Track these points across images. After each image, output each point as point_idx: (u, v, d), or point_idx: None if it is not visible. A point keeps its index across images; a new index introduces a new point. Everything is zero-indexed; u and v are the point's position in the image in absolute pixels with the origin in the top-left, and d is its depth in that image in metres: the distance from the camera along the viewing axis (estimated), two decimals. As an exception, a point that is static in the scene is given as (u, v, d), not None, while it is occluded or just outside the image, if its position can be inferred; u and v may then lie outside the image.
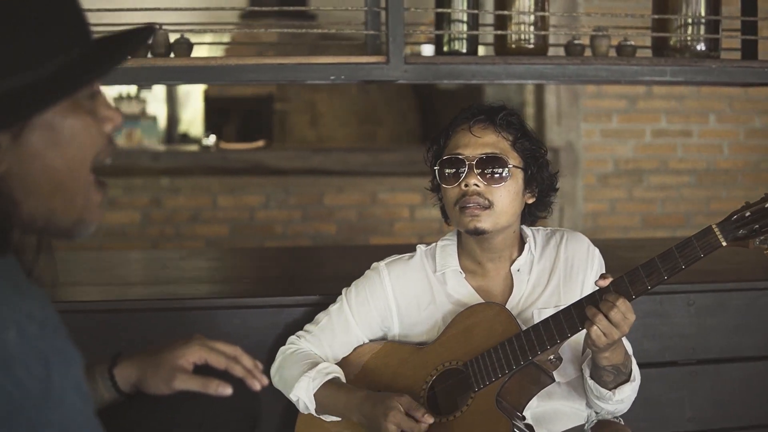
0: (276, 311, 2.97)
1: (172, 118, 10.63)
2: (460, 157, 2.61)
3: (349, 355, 2.79)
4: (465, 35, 3.30)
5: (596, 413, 2.70)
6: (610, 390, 2.55)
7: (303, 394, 2.69)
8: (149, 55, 3.22)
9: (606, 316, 2.38)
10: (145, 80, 4.14)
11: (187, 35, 3.24)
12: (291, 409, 2.80)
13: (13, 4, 1.37)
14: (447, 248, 2.78)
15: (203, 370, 1.94)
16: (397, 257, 2.82)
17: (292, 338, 2.82)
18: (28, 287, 1.32)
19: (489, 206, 2.60)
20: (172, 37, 3.22)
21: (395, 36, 3.11)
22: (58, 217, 1.45)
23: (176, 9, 3.33)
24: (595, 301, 2.44)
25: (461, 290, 2.72)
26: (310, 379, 2.68)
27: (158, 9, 3.20)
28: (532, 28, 3.28)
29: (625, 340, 2.61)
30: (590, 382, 2.56)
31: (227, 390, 1.86)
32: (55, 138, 1.40)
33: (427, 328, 2.73)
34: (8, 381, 1.23)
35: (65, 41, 1.41)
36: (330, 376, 2.69)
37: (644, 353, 2.97)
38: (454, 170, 2.62)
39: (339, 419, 2.70)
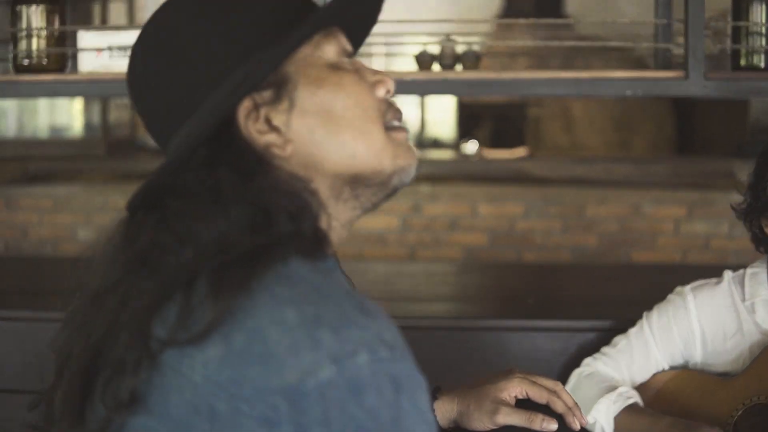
0: (569, 335, 2.90)
1: (424, 122, 10.75)
2: None
3: (645, 381, 2.69)
4: (764, 50, 3.14)
5: None
6: None
7: (602, 417, 2.60)
8: (436, 67, 3.21)
9: None
10: (431, 91, 4.15)
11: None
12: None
13: None
14: (757, 276, 2.64)
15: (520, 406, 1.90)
16: (703, 282, 2.70)
17: (587, 360, 2.75)
18: (369, 305, 1.26)
19: None
20: (460, 49, 3.20)
21: (695, 50, 2.98)
22: (369, 175, 1.41)
23: (423, 21, 3.30)
24: None
25: (772, 320, 2.59)
26: (610, 402, 2.59)
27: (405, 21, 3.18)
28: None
29: None
30: None
31: (553, 425, 1.80)
32: (327, 102, 1.38)
33: (731, 359, 2.59)
34: (360, 410, 1.17)
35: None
36: (631, 401, 2.60)
37: None
38: None
39: None
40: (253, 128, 1.35)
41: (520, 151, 8.11)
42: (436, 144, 10.36)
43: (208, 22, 1.39)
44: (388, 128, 1.42)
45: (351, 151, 1.38)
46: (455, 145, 9.39)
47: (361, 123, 1.39)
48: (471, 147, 8.06)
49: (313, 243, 1.33)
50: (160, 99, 1.41)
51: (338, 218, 1.42)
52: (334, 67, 1.40)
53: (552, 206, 7.12)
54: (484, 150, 8.10)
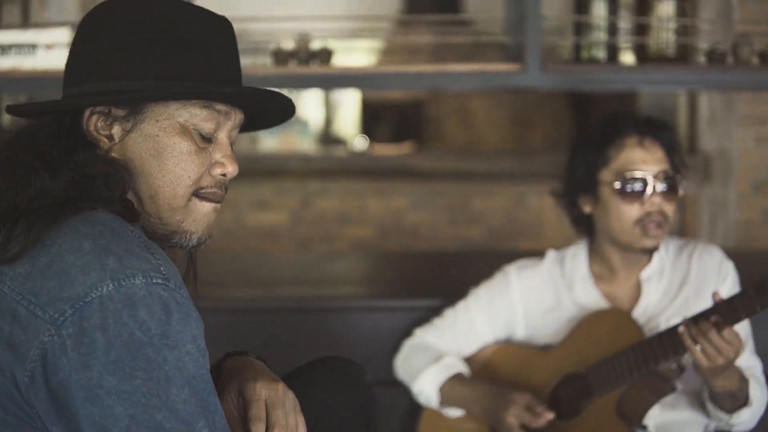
0: (406, 313, 3.03)
1: (329, 122, 10.84)
2: (642, 174, 2.60)
3: (472, 354, 2.85)
4: (603, 43, 3.30)
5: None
6: (729, 414, 2.52)
7: (427, 387, 2.76)
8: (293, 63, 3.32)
9: (708, 342, 2.33)
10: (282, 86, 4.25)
11: (334, 41, 3.34)
12: (414, 405, 2.88)
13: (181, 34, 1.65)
14: (578, 255, 2.80)
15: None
16: (527, 261, 2.85)
17: (417, 330, 2.90)
18: (156, 250, 1.51)
19: (665, 223, 2.63)
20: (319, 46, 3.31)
21: (533, 43, 3.11)
22: (155, 221, 1.64)
23: (326, 17, 3.42)
24: (703, 320, 2.39)
25: (588, 296, 2.74)
26: (435, 373, 2.76)
27: (305, 18, 3.30)
28: (672, 35, 3.25)
29: (749, 359, 2.57)
30: (709, 405, 2.52)
31: None
32: (156, 148, 1.62)
33: (551, 332, 2.76)
34: (132, 321, 1.42)
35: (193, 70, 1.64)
36: (454, 371, 2.76)
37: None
38: (635, 188, 2.61)
39: (462, 414, 2.76)
40: (93, 124, 1.63)
41: (406, 147, 8.22)
42: (341, 142, 10.45)
43: (134, 31, 1.63)
44: (197, 194, 1.66)
45: (152, 192, 1.63)
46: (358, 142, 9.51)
47: (171, 182, 1.63)
48: (360, 143, 8.15)
49: (121, 207, 1.57)
50: (70, 59, 1.68)
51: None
52: (183, 130, 1.64)
53: (439, 199, 7.24)
54: (372, 146, 8.20)
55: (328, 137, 10.65)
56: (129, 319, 1.42)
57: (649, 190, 2.59)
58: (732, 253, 2.76)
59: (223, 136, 1.68)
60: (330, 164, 7.51)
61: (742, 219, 6.98)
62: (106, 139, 1.63)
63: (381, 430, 2.15)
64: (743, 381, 2.47)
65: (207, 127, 1.65)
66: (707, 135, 6.96)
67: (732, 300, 2.35)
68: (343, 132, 10.67)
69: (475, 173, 7.27)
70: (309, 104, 10.72)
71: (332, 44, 3.36)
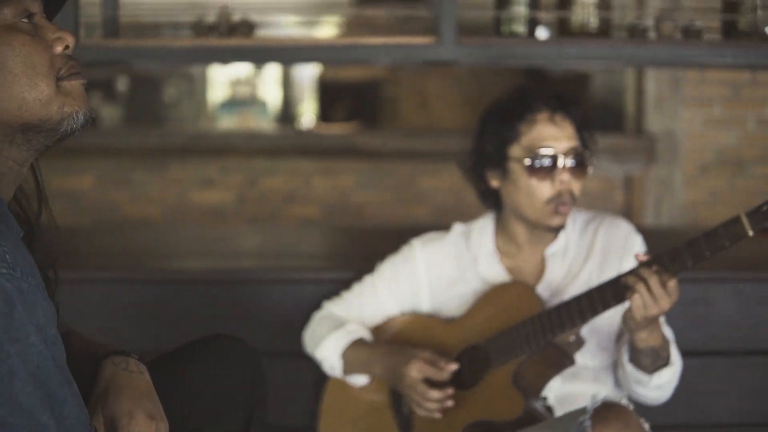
0: (315, 285, 3.03)
1: (287, 102, 10.79)
2: (552, 151, 2.59)
3: (378, 325, 2.84)
4: (523, 17, 3.27)
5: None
6: (649, 374, 2.51)
7: (329, 354, 2.76)
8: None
9: (647, 285, 2.32)
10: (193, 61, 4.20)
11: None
12: (321, 377, 2.87)
13: None
14: (484, 229, 2.79)
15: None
16: (432, 234, 2.85)
17: (326, 303, 2.90)
18: (7, 234, 1.45)
19: (573, 202, 2.63)
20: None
21: (447, 16, 3.08)
22: (37, 123, 1.59)
23: None
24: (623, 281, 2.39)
25: (493, 270, 2.73)
26: (336, 338, 2.76)
27: None
28: (594, 9, 3.23)
29: (664, 327, 2.57)
30: (628, 367, 2.52)
31: None
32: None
33: (457, 305, 2.75)
34: None
35: None
36: (356, 335, 2.76)
37: (687, 342, 2.89)
38: (545, 164, 2.59)
39: (366, 384, 2.76)
40: None
41: (351, 125, 8.19)
42: (296, 122, 10.41)
43: None
44: (61, 78, 1.60)
45: (19, 102, 1.56)
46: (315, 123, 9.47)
47: (28, 78, 1.57)
48: (305, 121, 8.11)
49: None
50: None
51: (14, 159, 1.61)
52: (8, 29, 1.57)
53: (385, 178, 7.20)
54: (317, 125, 8.15)
55: (286, 117, 10.59)
56: None
57: (559, 166, 2.58)
58: (680, 233, 2.74)
59: (41, 19, 1.63)
60: (276, 142, 7.45)
61: (689, 200, 7.00)
62: None
63: (275, 407, 2.13)
64: (665, 340, 2.49)
65: (23, 9, 1.60)
66: (654, 116, 6.96)
67: (658, 259, 2.35)
68: (301, 112, 10.62)
69: (422, 152, 7.22)
70: (267, 85, 10.65)
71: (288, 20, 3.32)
